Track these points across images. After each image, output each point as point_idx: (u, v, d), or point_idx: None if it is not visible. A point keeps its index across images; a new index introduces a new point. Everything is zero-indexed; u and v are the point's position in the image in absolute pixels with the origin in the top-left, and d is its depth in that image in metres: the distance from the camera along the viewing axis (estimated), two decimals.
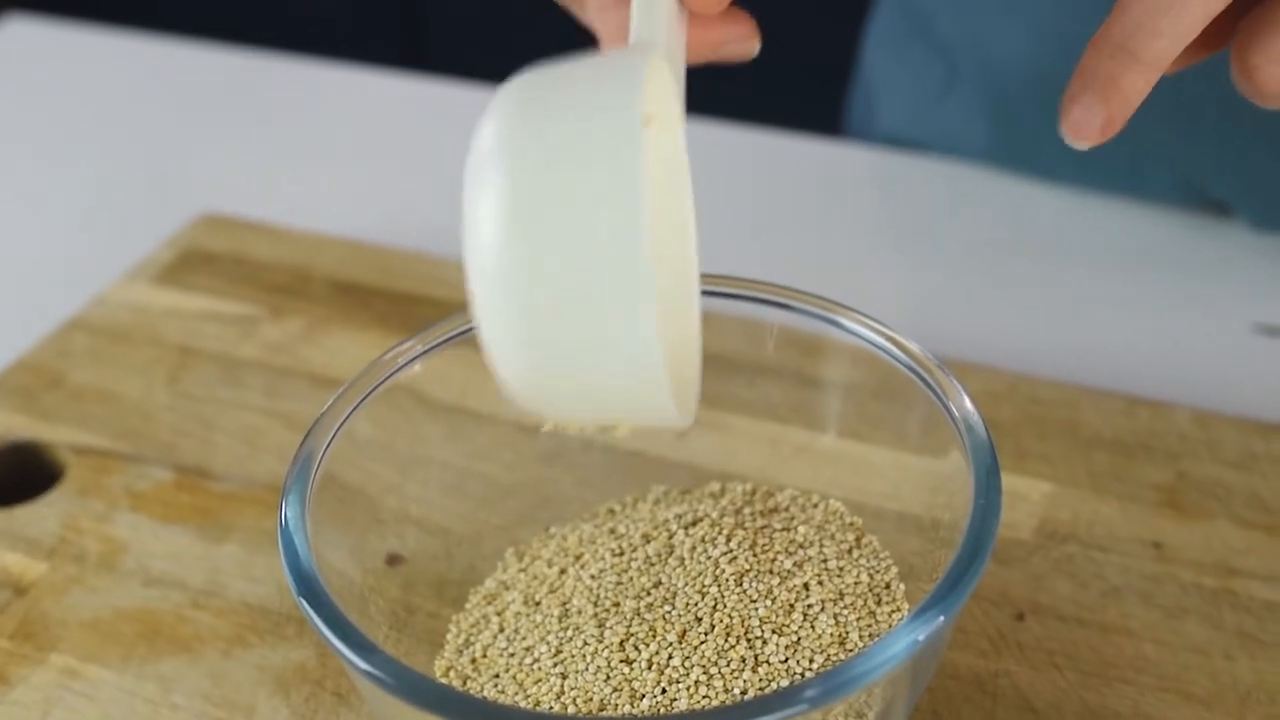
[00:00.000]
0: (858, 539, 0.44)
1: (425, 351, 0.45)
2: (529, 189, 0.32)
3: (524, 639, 0.42)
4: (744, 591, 0.41)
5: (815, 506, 0.46)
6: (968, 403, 0.41)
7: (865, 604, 0.42)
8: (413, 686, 0.35)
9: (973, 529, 0.37)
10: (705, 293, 0.40)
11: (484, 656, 0.43)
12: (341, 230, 0.68)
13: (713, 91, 0.67)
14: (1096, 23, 0.63)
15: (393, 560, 0.46)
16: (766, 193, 0.73)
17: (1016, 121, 0.68)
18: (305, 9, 1.74)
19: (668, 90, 0.37)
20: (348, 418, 0.43)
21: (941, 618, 0.36)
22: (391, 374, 0.44)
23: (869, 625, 0.41)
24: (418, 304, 0.62)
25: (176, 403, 0.58)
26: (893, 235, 0.70)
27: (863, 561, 0.43)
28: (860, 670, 0.34)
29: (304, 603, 0.37)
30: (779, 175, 0.74)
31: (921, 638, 0.35)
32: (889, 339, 0.43)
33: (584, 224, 0.31)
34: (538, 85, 0.34)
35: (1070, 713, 0.44)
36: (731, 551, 0.42)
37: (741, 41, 0.41)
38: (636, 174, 0.31)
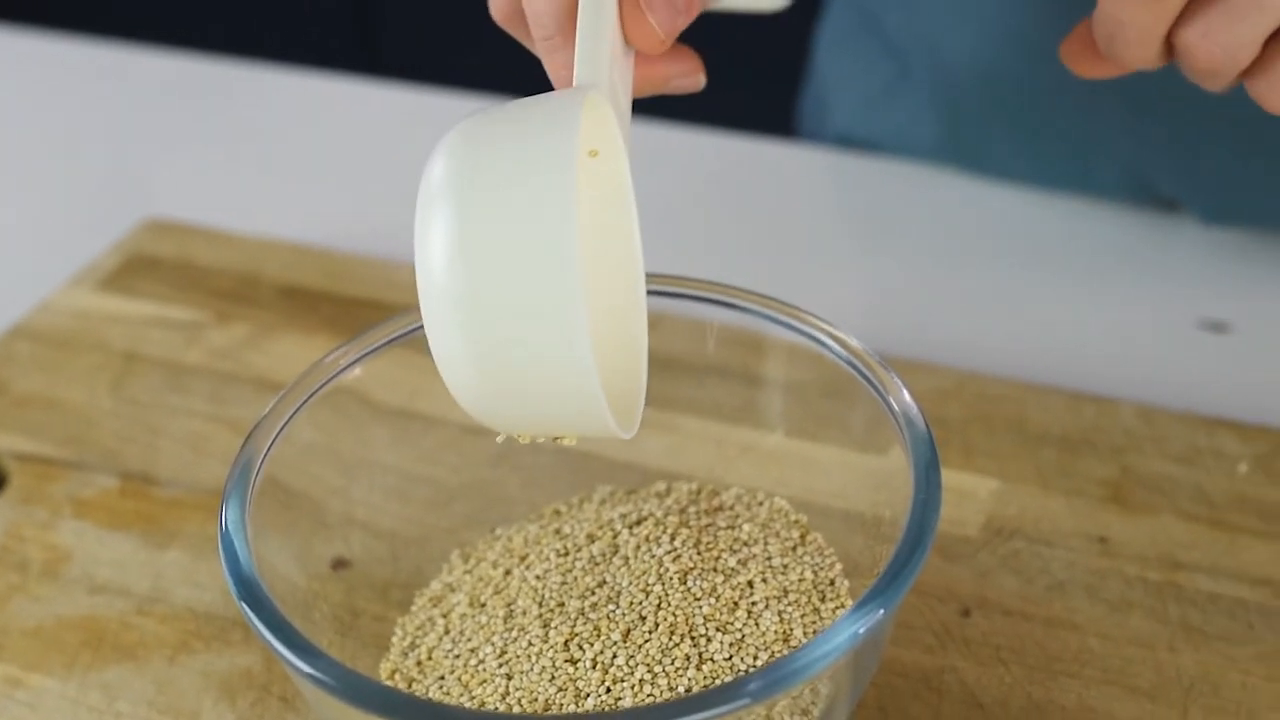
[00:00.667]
0: (802, 536, 0.44)
1: (365, 355, 0.45)
2: (470, 216, 0.35)
3: (469, 640, 0.42)
4: (688, 590, 0.41)
5: (760, 505, 0.46)
6: (907, 397, 0.41)
7: (809, 600, 0.42)
8: (356, 689, 0.35)
9: (913, 523, 0.37)
10: (649, 292, 0.41)
11: (429, 659, 0.43)
12: (288, 234, 0.67)
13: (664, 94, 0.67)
14: (1045, 21, 0.63)
15: (338, 564, 0.46)
16: (719, 194, 0.73)
17: (966, 119, 0.68)
18: (255, 13, 1.73)
19: (609, 123, 0.39)
20: (288, 422, 0.42)
21: (881, 611, 0.36)
22: (332, 377, 0.44)
23: (813, 622, 0.41)
24: (366, 308, 0.62)
25: (121, 409, 0.57)
26: (844, 235, 0.70)
27: (807, 559, 0.43)
28: (801, 664, 0.34)
29: (245, 607, 0.37)
30: (732, 177, 0.74)
31: (862, 630, 0.35)
32: (831, 336, 0.43)
33: (520, 248, 0.34)
34: (482, 123, 0.36)
35: (1016, 707, 0.44)
36: (675, 550, 0.42)
37: (686, 76, 0.43)
38: (568, 201, 0.34)
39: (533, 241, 0.34)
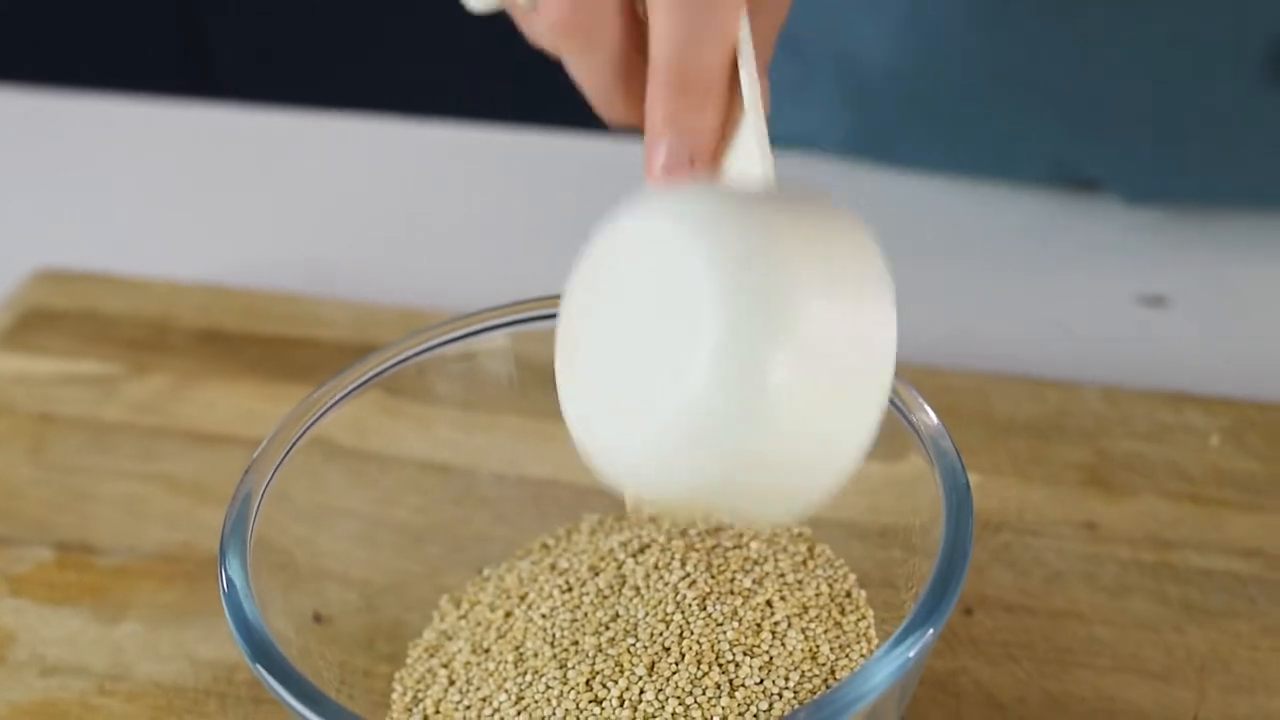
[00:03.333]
0: (810, 549, 0.43)
1: (340, 400, 0.43)
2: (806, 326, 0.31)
3: (479, 689, 0.40)
4: (709, 615, 0.40)
5: None
6: (919, 399, 0.40)
7: (830, 615, 0.41)
8: None
9: (951, 534, 0.36)
10: None
11: (437, 713, 0.40)
12: (196, 275, 0.64)
13: (550, 99, 0.65)
14: (956, 12, 0.63)
15: (317, 619, 0.43)
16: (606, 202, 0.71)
17: (878, 113, 0.67)
18: (73, 39, 1.65)
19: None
20: (275, 474, 0.40)
21: (931, 631, 0.35)
22: (312, 424, 0.42)
23: (837, 636, 0.40)
24: (291, 347, 0.59)
25: (44, 475, 0.54)
26: None
27: (819, 572, 0.42)
28: (857, 693, 0.33)
29: (265, 672, 0.34)
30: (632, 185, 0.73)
31: (912, 654, 0.34)
32: None
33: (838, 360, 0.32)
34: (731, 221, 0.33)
35: (1035, 704, 0.43)
36: (689, 575, 0.41)
37: None
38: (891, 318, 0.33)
39: (851, 349, 0.32)
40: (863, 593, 0.42)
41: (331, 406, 0.43)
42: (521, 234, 0.68)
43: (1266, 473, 0.50)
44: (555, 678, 0.39)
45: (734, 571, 0.41)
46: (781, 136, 0.71)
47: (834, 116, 0.69)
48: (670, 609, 0.40)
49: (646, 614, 0.40)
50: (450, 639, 0.43)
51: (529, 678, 0.39)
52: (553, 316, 0.46)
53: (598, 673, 0.39)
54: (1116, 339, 0.58)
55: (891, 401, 0.41)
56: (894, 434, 0.41)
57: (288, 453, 0.41)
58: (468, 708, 0.40)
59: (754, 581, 0.41)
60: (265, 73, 1.64)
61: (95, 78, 0.90)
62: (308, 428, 0.42)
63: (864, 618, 0.41)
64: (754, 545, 0.42)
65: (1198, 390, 0.54)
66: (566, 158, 0.73)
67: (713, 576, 0.41)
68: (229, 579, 0.36)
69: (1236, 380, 0.55)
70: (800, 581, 0.41)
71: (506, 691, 0.39)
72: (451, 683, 0.41)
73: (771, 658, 0.39)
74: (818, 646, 0.39)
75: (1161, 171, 0.63)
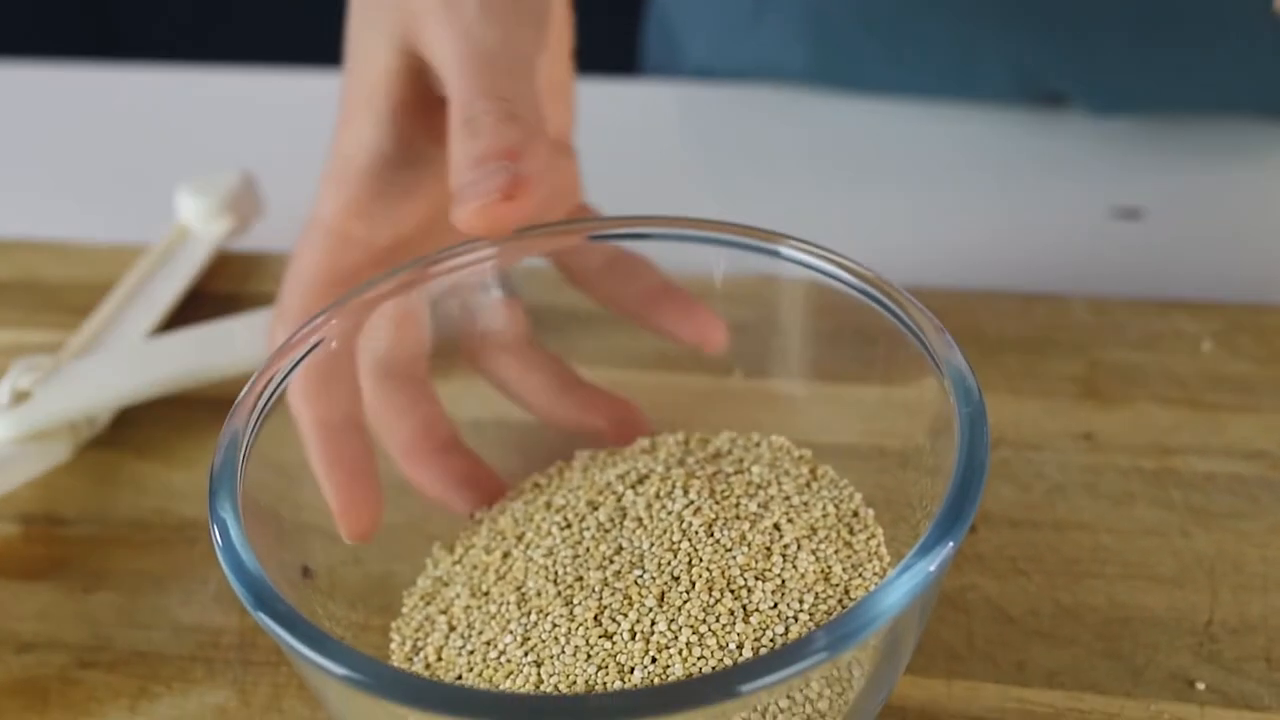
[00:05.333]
0: (812, 471, 0.42)
1: (315, 347, 0.41)
2: None
3: (481, 633, 0.38)
4: (717, 541, 0.38)
5: (758, 445, 0.43)
6: (925, 316, 0.39)
7: (839, 535, 0.39)
8: (433, 693, 0.31)
9: (966, 447, 0.36)
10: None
11: (439, 660, 0.39)
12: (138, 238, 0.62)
13: None
14: None
15: (306, 573, 0.42)
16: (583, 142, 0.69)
17: (837, 37, 0.66)
18: None
19: None
20: (261, 418, 0.38)
21: (951, 544, 0.33)
22: (289, 371, 0.40)
23: (849, 555, 0.39)
24: (245, 304, 0.57)
25: None
26: (730, 168, 0.67)
27: (824, 493, 0.41)
28: (876, 610, 0.32)
29: (268, 619, 0.32)
30: (584, 123, 0.71)
31: (933, 568, 0.33)
32: (835, 263, 0.41)
33: None
34: None
35: (1047, 615, 0.42)
36: (693, 502, 0.39)
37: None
38: None
39: None
40: (870, 512, 0.40)
41: (304, 356, 0.42)
42: None
43: (1261, 374, 0.49)
44: (562, 615, 0.37)
45: (738, 496, 0.40)
46: (741, 67, 0.70)
47: (793, 44, 0.67)
48: (676, 537, 0.38)
49: (652, 544, 0.38)
50: (446, 585, 0.41)
51: (534, 617, 0.38)
52: (532, 249, 0.45)
53: (606, 607, 0.37)
54: (1096, 253, 0.58)
55: (897, 317, 0.40)
56: (900, 355, 0.40)
57: (269, 401, 0.39)
58: (471, 652, 0.38)
59: (760, 505, 0.39)
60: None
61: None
62: (284, 378, 0.40)
63: (874, 536, 0.40)
64: (756, 470, 0.41)
65: (1184, 296, 0.53)
66: None
67: (717, 502, 0.39)
68: (222, 525, 0.34)
69: (1220, 286, 0.54)
70: (806, 503, 0.40)
71: (511, 633, 0.38)
72: (452, 629, 0.39)
73: (784, 581, 0.38)
74: (830, 567, 0.38)
75: (1128, 80, 0.62)
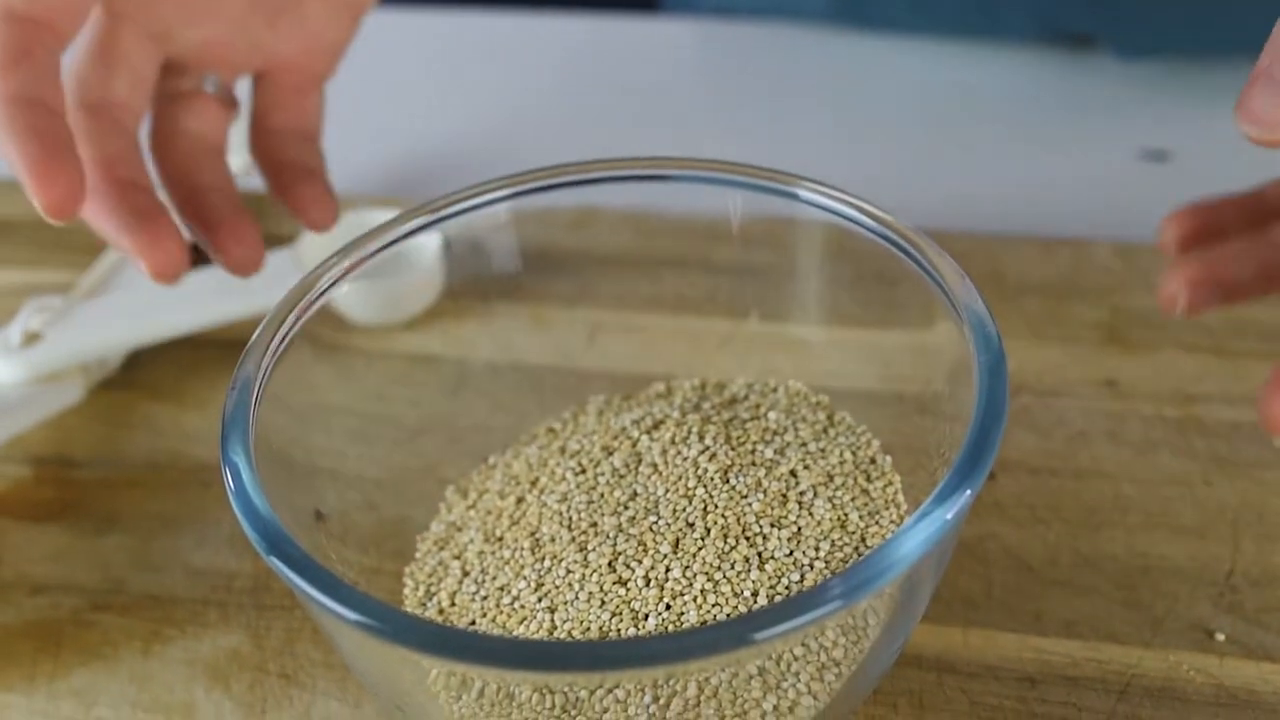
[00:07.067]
0: (829, 417, 0.41)
1: (329, 289, 0.40)
2: None
3: (495, 579, 0.38)
4: (732, 488, 0.38)
5: (774, 391, 0.42)
6: (946, 260, 0.38)
7: (856, 482, 0.39)
8: (446, 639, 0.31)
9: (985, 393, 0.35)
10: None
11: (452, 605, 0.38)
12: None
13: None
14: None
15: (319, 516, 0.41)
16: (592, 79, 0.69)
17: None
18: None
19: None
20: (275, 362, 0.38)
21: (969, 492, 0.33)
22: (304, 314, 0.39)
23: (865, 503, 0.38)
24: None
25: None
26: (751, 107, 0.67)
27: (841, 439, 0.40)
28: (894, 557, 0.31)
29: (280, 564, 0.32)
30: (604, 60, 0.70)
31: (950, 516, 0.32)
32: (853, 206, 0.40)
33: None
34: None
35: (1066, 564, 0.42)
36: (709, 448, 0.39)
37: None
38: None
39: None
40: (888, 458, 0.40)
41: (319, 297, 0.41)
42: (508, 112, 0.65)
43: None
44: (576, 561, 0.37)
45: (754, 443, 0.39)
46: (761, 5, 0.68)
47: None
48: (691, 484, 0.38)
49: (667, 490, 0.38)
50: (460, 530, 0.41)
51: (548, 563, 0.38)
52: (548, 190, 0.44)
53: (620, 553, 0.37)
54: (1122, 196, 0.57)
55: (916, 261, 0.39)
56: (919, 299, 0.39)
57: (282, 344, 0.38)
58: (484, 598, 0.38)
59: (776, 452, 0.39)
60: None
61: None
62: (298, 320, 0.39)
63: (891, 483, 0.39)
64: (772, 415, 0.41)
65: None
66: (548, 40, 0.70)
67: (733, 449, 0.39)
68: (234, 468, 0.34)
69: None
70: (823, 450, 0.40)
71: (525, 579, 0.37)
72: (466, 574, 0.39)
73: (800, 528, 0.37)
74: (846, 515, 0.38)
75: (1155, 23, 0.60)
